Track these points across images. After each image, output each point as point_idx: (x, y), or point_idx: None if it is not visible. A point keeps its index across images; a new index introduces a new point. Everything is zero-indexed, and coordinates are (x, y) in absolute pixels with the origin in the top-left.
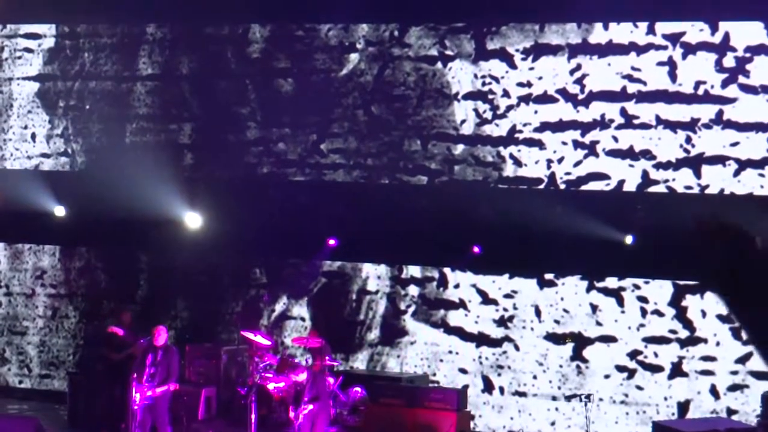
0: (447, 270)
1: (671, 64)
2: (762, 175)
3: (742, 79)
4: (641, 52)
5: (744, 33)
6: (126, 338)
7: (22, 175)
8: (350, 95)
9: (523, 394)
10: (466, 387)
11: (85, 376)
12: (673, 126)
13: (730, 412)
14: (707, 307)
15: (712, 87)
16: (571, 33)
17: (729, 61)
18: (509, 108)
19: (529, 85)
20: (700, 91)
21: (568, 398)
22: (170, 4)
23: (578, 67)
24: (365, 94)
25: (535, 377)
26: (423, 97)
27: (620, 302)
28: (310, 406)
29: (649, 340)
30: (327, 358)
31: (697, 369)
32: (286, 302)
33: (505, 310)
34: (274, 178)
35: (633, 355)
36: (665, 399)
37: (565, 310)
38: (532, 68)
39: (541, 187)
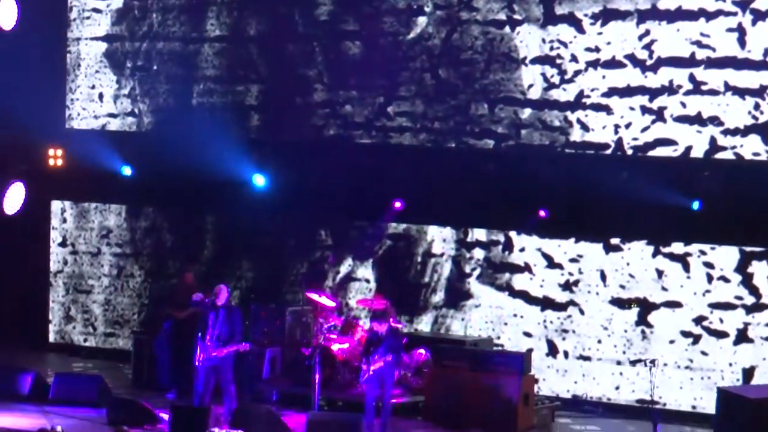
0: (512, 233)
1: (740, 30)
2: None
3: None
4: (710, 18)
5: None
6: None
7: (89, 134)
8: (418, 59)
9: (587, 359)
10: (530, 351)
11: (149, 336)
12: (741, 92)
13: None
14: None
15: None
16: None
17: None
18: (577, 73)
19: (597, 50)
20: None
21: (633, 363)
22: None
23: (647, 32)
24: (433, 57)
25: (599, 342)
26: (490, 61)
27: (686, 268)
28: (381, 364)
29: (715, 306)
30: (392, 320)
31: (763, 335)
32: (351, 264)
33: (571, 274)
34: (341, 141)
35: (698, 320)
36: (730, 365)
37: (631, 275)
38: (600, 33)
39: (608, 152)
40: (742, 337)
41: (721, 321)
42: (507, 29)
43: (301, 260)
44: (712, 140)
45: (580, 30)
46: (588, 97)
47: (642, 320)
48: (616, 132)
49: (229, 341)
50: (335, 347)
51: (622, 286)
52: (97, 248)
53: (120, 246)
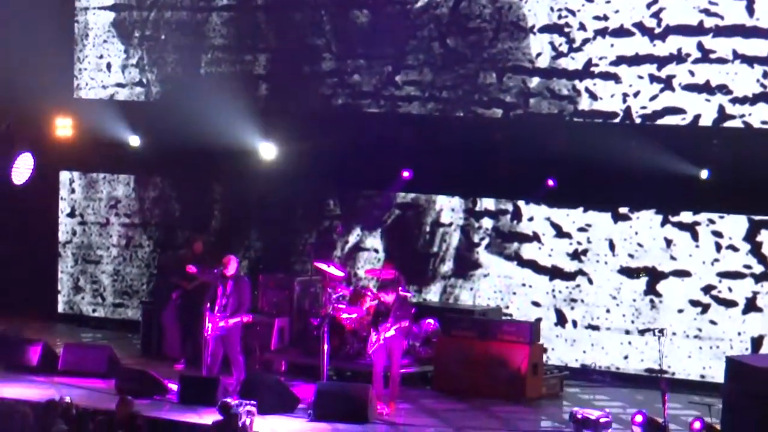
0: (521, 203)
1: None
2: None
3: None
4: None
5: None
6: (199, 270)
7: (97, 104)
8: (426, 27)
9: (596, 328)
10: (538, 320)
11: (158, 306)
12: (749, 61)
13: None
14: None
15: None
16: None
17: None
18: (585, 41)
19: (605, 18)
20: None
21: (641, 332)
22: None
23: (655, 0)
24: (441, 26)
25: (608, 311)
26: (499, 30)
27: (695, 237)
28: (392, 331)
29: (724, 275)
30: (401, 289)
31: None
32: (360, 234)
33: (579, 243)
34: (349, 110)
35: (707, 289)
36: (739, 334)
37: (639, 244)
38: (608, 1)
39: (617, 120)
40: (751, 306)
41: (730, 290)
42: None
43: (310, 230)
44: (721, 109)
45: None
46: (596, 65)
47: (650, 289)
48: (625, 101)
49: (236, 312)
50: (344, 317)
51: (631, 255)
52: (106, 218)
53: (128, 216)
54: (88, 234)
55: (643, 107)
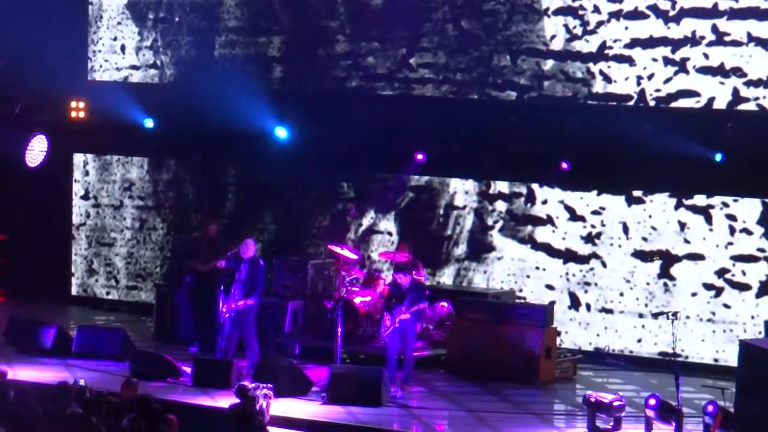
0: (535, 186)
1: None
2: None
3: None
4: None
5: None
6: (213, 252)
7: (111, 86)
8: (440, 10)
9: (609, 311)
10: (552, 303)
11: (172, 289)
12: (764, 43)
13: None
14: None
15: None
16: None
17: None
18: (599, 24)
19: (619, 0)
20: None
21: (655, 316)
22: None
23: None
24: (455, 8)
25: (621, 294)
26: (513, 12)
27: (708, 220)
28: (407, 314)
29: (737, 258)
30: (414, 273)
31: None
32: (374, 216)
33: (593, 226)
34: (363, 93)
35: (721, 273)
36: (752, 318)
37: (653, 228)
38: None
39: (631, 103)
40: (765, 289)
41: (744, 273)
42: None
43: (324, 213)
44: (735, 92)
45: None
46: (610, 48)
47: (664, 273)
48: (639, 83)
49: (248, 295)
50: (357, 300)
51: (645, 239)
52: (120, 201)
53: (142, 199)
54: (102, 216)
55: (657, 90)
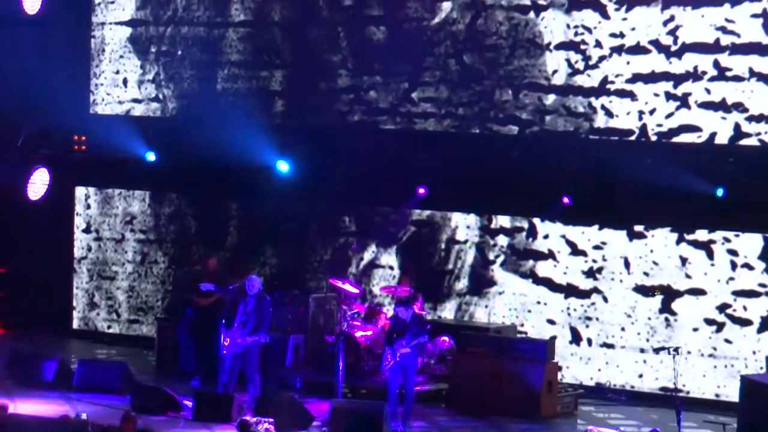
0: (536, 220)
1: (765, 16)
2: None
3: None
4: (735, 4)
5: None
6: (216, 287)
7: (113, 120)
8: (442, 44)
9: (611, 346)
10: (553, 338)
11: (173, 322)
12: (766, 79)
13: None
14: None
15: None
16: None
17: None
18: (601, 59)
19: (621, 35)
20: None
21: (656, 351)
22: None
23: (671, 18)
24: (457, 43)
25: (623, 329)
26: (515, 47)
27: (710, 255)
28: (408, 349)
29: (739, 293)
30: (416, 307)
31: None
32: (375, 250)
33: (594, 261)
34: (365, 127)
35: (722, 308)
36: (754, 353)
37: (655, 263)
38: (625, 19)
39: (632, 138)
40: (766, 324)
41: (745, 309)
42: (531, 14)
43: (325, 247)
44: (737, 127)
45: (605, 15)
46: (612, 83)
47: (666, 308)
48: (641, 118)
49: (256, 330)
50: (359, 334)
51: (646, 274)
52: (121, 234)
53: (144, 232)
54: (104, 250)
55: (659, 125)
